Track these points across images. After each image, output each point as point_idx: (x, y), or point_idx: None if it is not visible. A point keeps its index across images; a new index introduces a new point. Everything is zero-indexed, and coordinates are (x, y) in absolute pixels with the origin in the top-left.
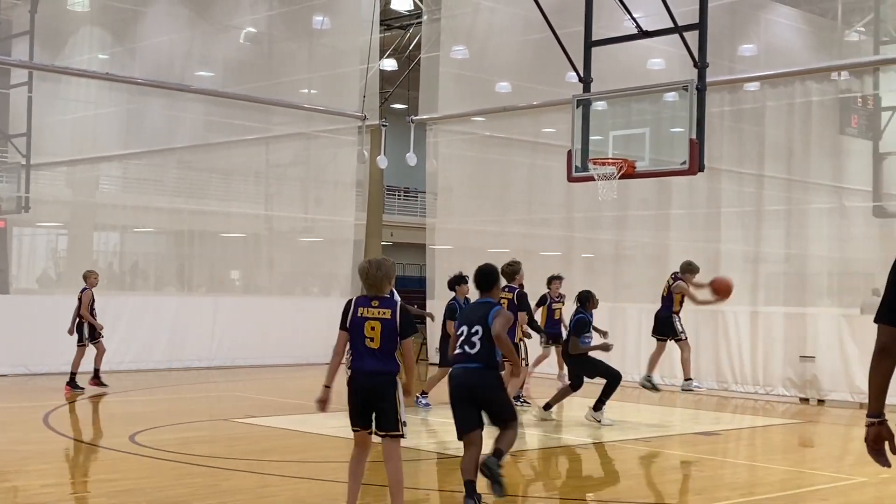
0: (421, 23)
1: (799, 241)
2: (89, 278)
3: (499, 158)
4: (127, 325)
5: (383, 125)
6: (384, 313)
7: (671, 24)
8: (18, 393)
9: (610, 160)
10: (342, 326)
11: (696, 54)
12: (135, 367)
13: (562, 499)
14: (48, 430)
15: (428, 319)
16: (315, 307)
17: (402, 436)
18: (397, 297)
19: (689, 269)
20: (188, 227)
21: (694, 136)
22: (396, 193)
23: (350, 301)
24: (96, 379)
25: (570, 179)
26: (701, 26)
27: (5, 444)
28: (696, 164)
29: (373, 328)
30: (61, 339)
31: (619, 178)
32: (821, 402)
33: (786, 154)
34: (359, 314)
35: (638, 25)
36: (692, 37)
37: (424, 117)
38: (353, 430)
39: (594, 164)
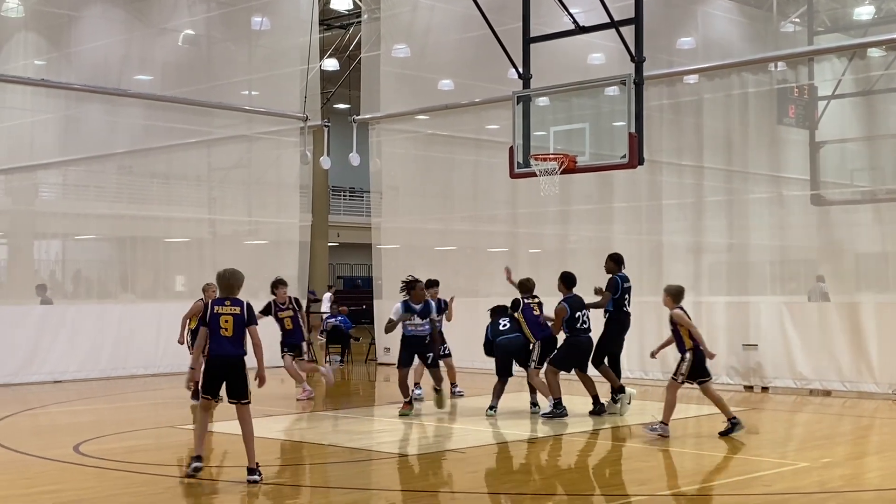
0: (361, 22)
1: (740, 230)
2: (207, 292)
3: (443, 156)
4: (70, 334)
5: (326, 125)
6: (234, 310)
7: (608, 20)
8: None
9: (551, 156)
10: (202, 323)
11: (633, 49)
12: (80, 376)
13: (503, 494)
14: None
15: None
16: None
17: (249, 402)
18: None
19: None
20: (130, 233)
21: (633, 130)
22: (341, 194)
23: (207, 303)
24: None
25: (513, 175)
26: (637, 21)
27: None
28: (635, 157)
29: (226, 321)
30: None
31: (561, 173)
32: (764, 389)
33: (725, 145)
34: (215, 311)
35: (575, 21)
36: (629, 31)
37: (367, 117)
38: (204, 398)
39: (536, 159)
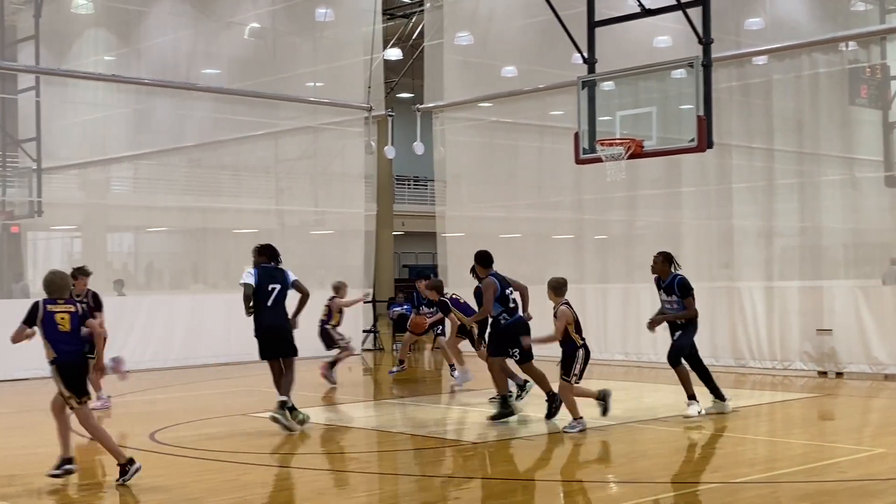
0: (424, 11)
1: (812, 214)
2: (341, 290)
3: (506, 143)
4: (143, 325)
5: (389, 115)
6: (70, 308)
7: (674, 2)
8: (37, 396)
9: (618, 140)
10: (28, 323)
11: (700, 31)
12: (153, 365)
13: (576, 481)
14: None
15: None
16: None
17: (89, 398)
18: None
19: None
20: (200, 224)
21: (701, 113)
22: (406, 183)
23: (36, 304)
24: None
25: (579, 161)
26: (704, 2)
27: (27, 448)
28: (704, 140)
29: (62, 318)
30: None
31: (628, 158)
32: (839, 374)
33: (795, 127)
34: (48, 310)
35: (641, 4)
36: (696, 13)
37: (430, 105)
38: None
39: (602, 145)
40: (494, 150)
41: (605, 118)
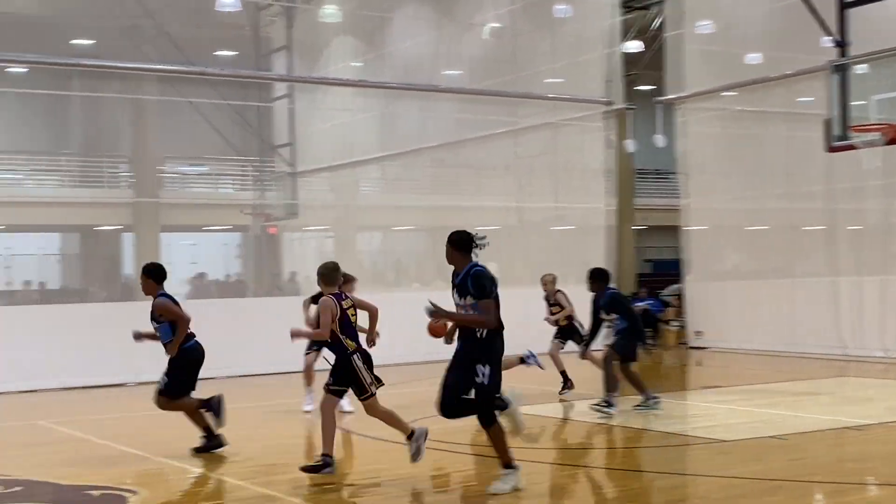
0: (664, 1)
1: None
2: (548, 284)
3: (752, 133)
4: (394, 322)
5: (630, 108)
6: (350, 301)
7: None
8: (294, 389)
9: (874, 126)
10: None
11: None
12: (402, 360)
13: (830, 483)
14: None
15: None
16: (571, 296)
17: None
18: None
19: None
20: (443, 222)
21: None
22: (647, 176)
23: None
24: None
25: (830, 149)
26: None
27: (276, 437)
28: None
29: (353, 312)
30: None
31: (886, 143)
32: None
33: None
34: (341, 305)
35: None
36: None
37: (672, 97)
38: None
39: (856, 131)
40: (739, 139)
41: (859, 103)
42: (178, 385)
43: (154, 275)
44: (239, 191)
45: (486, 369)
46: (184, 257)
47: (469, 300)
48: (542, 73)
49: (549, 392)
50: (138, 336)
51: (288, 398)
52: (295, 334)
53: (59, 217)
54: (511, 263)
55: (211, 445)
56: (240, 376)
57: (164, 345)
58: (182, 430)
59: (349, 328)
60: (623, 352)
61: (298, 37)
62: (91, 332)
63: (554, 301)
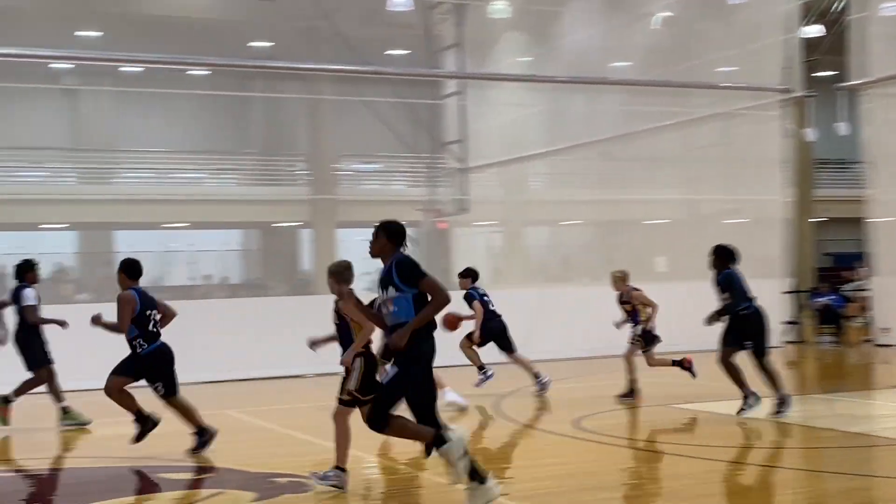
0: None
1: None
2: (617, 282)
3: None
4: (563, 317)
5: (810, 96)
6: None
7: None
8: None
9: None
10: None
11: None
12: (574, 354)
13: None
14: (499, 417)
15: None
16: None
17: None
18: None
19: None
20: (612, 217)
21: None
22: (828, 166)
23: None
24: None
25: None
26: None
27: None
28: None
29: None
30: None
31: None
32: None
33: None
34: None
35: None
36: None
37: (856, 83)
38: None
39: None
40: None
41: None
42: (126, 368)
43: (127, 270)
44: (410, 187)
45: (395, 369)
46: (359, 252)
47: (392, 292)
48: (715, 61)
49: (720, 390)
50: (313, 344)
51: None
52: (313, 343)
53: (239, 214)
54: (682, 258)
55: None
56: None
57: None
58: (361, 423)
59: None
60: (738, 344)
61: (468, 34)
62: (271, 324)
63: (627, 299)
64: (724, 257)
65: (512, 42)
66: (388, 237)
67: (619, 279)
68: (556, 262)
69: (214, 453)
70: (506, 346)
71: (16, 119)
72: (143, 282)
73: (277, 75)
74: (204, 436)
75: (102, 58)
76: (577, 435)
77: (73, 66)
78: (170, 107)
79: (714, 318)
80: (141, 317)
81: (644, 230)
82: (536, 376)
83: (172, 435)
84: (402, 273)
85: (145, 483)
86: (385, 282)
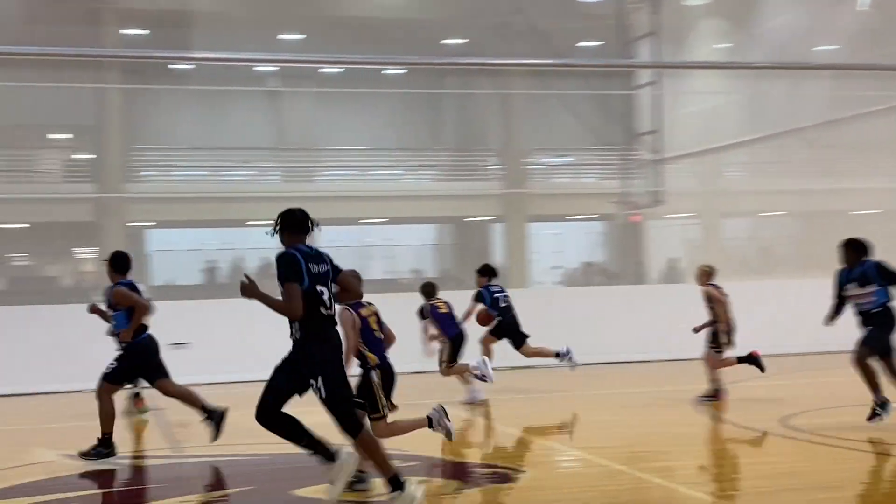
0: None
1: None
2: (701, 277)
3: None
4: (765, 311)
5: None
6: (374, 309)
7: None
8: (656, 376)
9: None
10: None
11: None
12: (773, 351)
13: None
14: (699, 415)
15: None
16: None
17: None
18: None
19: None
20: (818, 207)
21: None
22: None
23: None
24: None
25: None
26: None
27: (656, 426)
28: None
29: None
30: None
31: None
32: None
33: None
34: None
35: None
36: None
37: None
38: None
39: None
40: None
41: None
42: (119, 373)
43: (115, 264)
44: (602, 180)
45: (319, 381)
46: (549, 246)
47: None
48: None
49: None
50: (92, 310)
51: (673, 385)
52: None
53: (434, 209)
54: (892, 248)
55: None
56: (623, 362)
57: (116, 333)
58: (551, 411)
59: (370, 339)
60: (879, 344)
61: (664, 22)
62: None
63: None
64: (857, 250)
65: (709, 29)
66: (284, 227)
67: (704, 274)
68: (756, 254)
69: (418, 442)
70: (518, 342)
71: (224, 121)
72: None
73: (470, 71)
74: (214, 417)
75: (304, 60)
76: (784, 434)
77: (276, 68)
78: (367, 106)
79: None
80: (129, 310)
81: (852, 221)
82: (557, 354)
83: None
84: (279, 269)
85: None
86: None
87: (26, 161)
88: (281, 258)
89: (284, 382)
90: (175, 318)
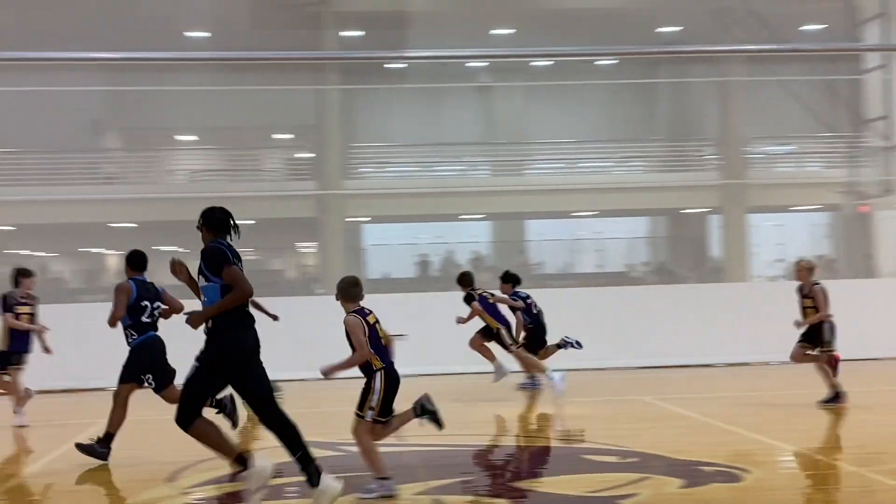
0: None
1: None
2: (802, 271)
3: None
4: None
5: None
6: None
7: None
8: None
9: None
10: None
11: None
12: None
13: None
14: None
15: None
16: None
17: None
18: None
19: None
20: None
21: None
22: None
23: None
24: None
25: None
26: None
27: (879, 423)
28: None
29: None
30: None
31: None
32: None
33: None
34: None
35: None
36: None
37: None
38: None
39: None
40: None
41: None
42: (126, 372)
43: (131, 261)
44: (827, 168)
45: (195, 364)
46: (770, 238)
47: (202, 281)
48: None
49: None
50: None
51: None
52: (327, 372)
53: (647, 201)
54: None
55: None
56: (851, 360)
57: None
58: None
59: (377, 345)
60: None
61: (894, 2)
62: (680, 312)
63: (808, 293)
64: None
65: None
66: (205, 224)
67: (805, 269)
68: None
69: (635, 439)
70: (535, 348)
71: (437, 117)
72: (553, 269)
73: (685, 59)
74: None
75: (516, 54)
76: None
77: (486, 63)
78: (578, 98)
79: None
80: (136, 307)
81: None
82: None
83: (595, 419)
84: (206, 260)
85: (573, 463)
86: (198, 271)
87: (252, 161)
88: (209, 251)
89: (206, 381)
90: (389, 311)
